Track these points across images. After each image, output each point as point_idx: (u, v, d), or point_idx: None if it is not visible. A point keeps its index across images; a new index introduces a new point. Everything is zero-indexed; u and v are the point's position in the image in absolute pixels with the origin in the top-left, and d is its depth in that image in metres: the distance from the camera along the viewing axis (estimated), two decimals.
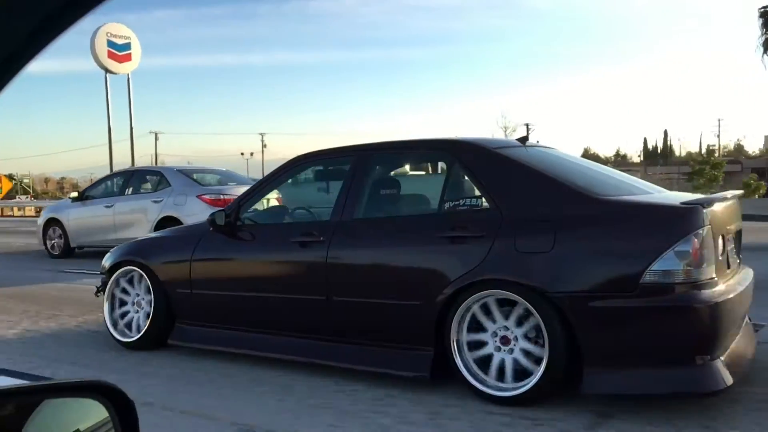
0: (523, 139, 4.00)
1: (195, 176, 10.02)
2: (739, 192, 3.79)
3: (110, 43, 23.82)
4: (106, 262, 4.92)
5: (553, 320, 3.15)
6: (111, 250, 5.07)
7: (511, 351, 3.32)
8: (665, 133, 63.25)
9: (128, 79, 24.96)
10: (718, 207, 3.26)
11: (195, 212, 8.81)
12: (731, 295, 3.12)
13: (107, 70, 24.02)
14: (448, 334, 3.42)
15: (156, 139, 63.42)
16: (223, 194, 9.30)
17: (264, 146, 69.29)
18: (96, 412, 0.87)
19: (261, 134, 73.11)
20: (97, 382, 0.89)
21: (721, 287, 3.11)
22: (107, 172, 16.91)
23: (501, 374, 3.33)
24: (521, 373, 3.28)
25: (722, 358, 3.06)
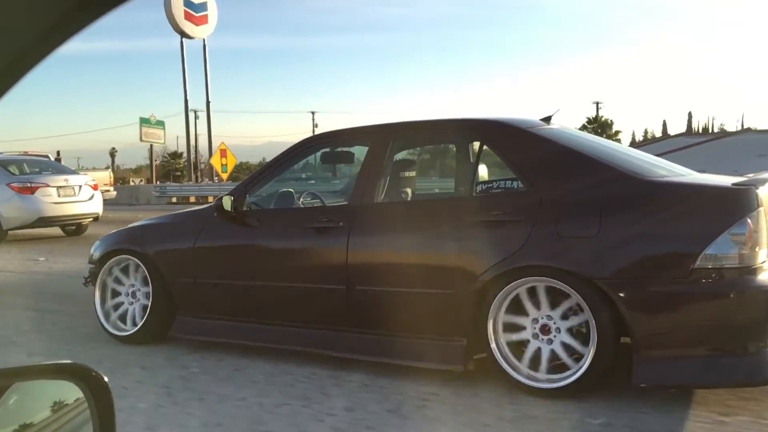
0: (548, 119, 3.83)
1: (10, 167, 11.04)
2: None
3: (187, 3, 22.12)
4: (96, 251, 4.58)
5: (600, 308, 2.99)
6: (100, 237, 4.73)
7: (551, 341, 3.16)
8: (689, 115, 62.88)
9: (204, 45, 23.18)
10: (766, 188, 3.15)
11: (5, 198, 10.40)
12: None
13: (183, 34, 22.28)
14: (485, 323, 3.24)
15: (195, 117, 58.84)
16: (31, 182, 10.57)
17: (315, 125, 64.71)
18: (71, 394, 0.87)
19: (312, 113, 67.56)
20: (72, 365, 0.89)
21: None
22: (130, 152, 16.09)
23: (535, 364, 3.17)
24: (559, 366, 3.13)
25: None
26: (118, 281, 4.47)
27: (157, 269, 4.23)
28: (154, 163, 46.56)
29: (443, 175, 4.05)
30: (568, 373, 3.09)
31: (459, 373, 3.31)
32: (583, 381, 3.03)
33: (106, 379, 0.88)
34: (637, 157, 3.71)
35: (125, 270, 4.44)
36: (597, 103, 57.09)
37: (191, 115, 58.35)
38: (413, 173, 4.00)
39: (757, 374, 2.88)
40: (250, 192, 4.08)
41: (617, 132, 55.49)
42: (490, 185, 3.51)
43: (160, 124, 31.19)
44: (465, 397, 3.18)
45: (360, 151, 4.16)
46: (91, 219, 11.63)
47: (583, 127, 54.34)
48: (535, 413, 2.96)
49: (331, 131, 4.12)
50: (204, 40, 23.03)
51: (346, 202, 3.93)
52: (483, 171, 3.62)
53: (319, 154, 4.53)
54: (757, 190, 2.94)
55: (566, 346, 3.12)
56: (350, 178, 4.67)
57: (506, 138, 3.54)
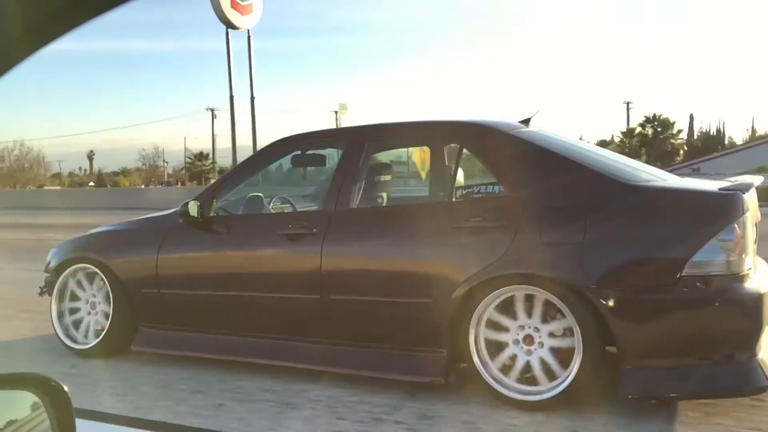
0: (527, 121, 3.72)
1: None
2: (762, 178, 3.64)
3: None
4: (53, 259, 4.32)
5: (585, 317, 2.89)
6: (57, 244, 4.47)
7: (535, 351, 3.04)
8: (691, 117, 61.13)
9: (248, 36, 21.67)
10: (751, 194, 3.09)
11: None
12: None
13: (229, 24, 20.72)
14: (466, 334, 3.11)
15: (213, 117, 56.22)
16: None
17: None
18: (29, 403, 0.86)
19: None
20: (31, 375, 0.88)
21: (758, 278, 2.94)
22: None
23: (523, 377, 3.05)
24: (548, 376, 3.01)
25: (761, 354, 2.88)
26: (77, 289, 4.22)
27: (118, 279, 4.00)
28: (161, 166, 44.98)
29: (421, 179, 3.90)
30: (552, 384, 2.97)
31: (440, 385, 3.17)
32: (569, 392, 2.92)
33: (65, 388, 0.87)
34: (620, 161, 3.63)
35: (85, 279, 4.20)
36: (627, 104, 54.20)
37: (208, 114, 55.46)
38: (389, 177, 3.85)
39: (747, 384, 2.80)
40: (217, 197, 3.88)
41: (679, 131, 52.78)
42: (470, 189, 3.38)
43: None
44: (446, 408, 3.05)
45: (333, 155, 4.01)
46: None
47: (642, 127, 51.75)
48: (518, 425, 2.83)
49: (304, 133, 3.95)
50: (249, 31, 21.68)
51: (318, 207, 3.76)
52: (462, 175, 3.49)
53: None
54: (744, 195, 2.87)
55: (552, 354, 3.00)
56: (322, 182, 4.50)
57: (486, 140, 3.42)
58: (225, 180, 3.99)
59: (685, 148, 54.04)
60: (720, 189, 2.96)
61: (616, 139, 53.07)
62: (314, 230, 3.46)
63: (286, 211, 4.21)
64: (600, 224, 2.96)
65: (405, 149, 8.01)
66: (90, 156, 66.15)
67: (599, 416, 2.90)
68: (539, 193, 3.14)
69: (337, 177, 3.58)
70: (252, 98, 22.71)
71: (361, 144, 3.63)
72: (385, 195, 3.78)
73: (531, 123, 3.72)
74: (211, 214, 3.84)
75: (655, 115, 52.15)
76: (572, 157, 3.26)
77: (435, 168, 4.22)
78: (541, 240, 2.99)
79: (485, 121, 3.51)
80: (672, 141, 52.34)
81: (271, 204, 4.17)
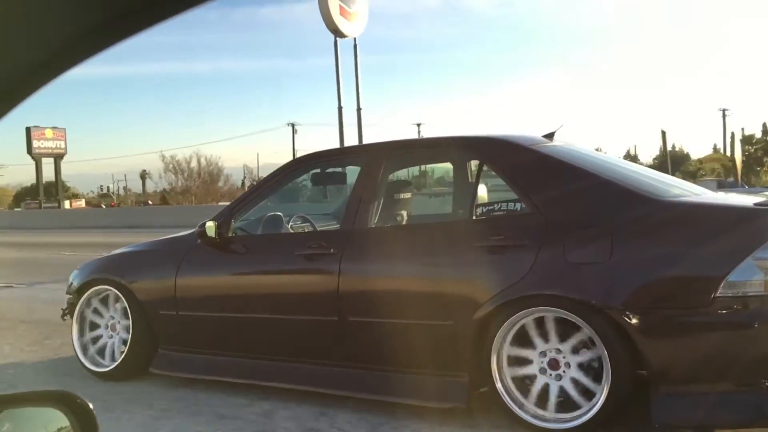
0: (551, 135, 3.60)
1: None
2: None
3: None
4: (75, 280, 4.32)
5: (614, 341, 2.74)
6: (79, 266, 4.48)
7: (560, 377, 2.90)
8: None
9: (354, 45, 21.14)
10: None
11: None
12: None
13: (337, 33, 20.30)
14: (488, 358, 2.98)
15: (294, 131, 55.52)
16: None
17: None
18: (57, 422, 0.88)
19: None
20: (58, 392, 0.91)
21: None
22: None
23: (543, 402, 2.91)
24: (568, 403, 2.87)
25: None
26: (97, 313, 4.20)
27: (137, 300, 3.97)
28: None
29: (441, 197, 3.80)
30: (579, 412, 2.83)
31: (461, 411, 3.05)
32: (596, 420, 2.77)
33: (91, 405, 0.89)
34: (649, 175, 3.48)
35: (104, 301, 4.18)
36: (723, 111, 50.77)
37: (288, 130, 55.03)
38: (409, 195, 3.76)
39: None
40: (236, 216, 3.84)
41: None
42: (492, 207, 3.26)
43: None
44: None
45: (353, 173, 3.94)
46: None
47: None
48: None
49: (322, 151, 3.89)
50: (355, 39, 21.19)
51: (337, 226, 3.68)
52: (483, 192, 3.38)
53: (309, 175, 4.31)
54: None
55: (577, 383, 2.86)
56: (342, 200, 4.44)
57: (508, 156, 3.31)
58: (243, 200, 3.94)
59: None
60: (755, 204, 2.80)
61: (720, 148, 50.29)
62: (332, 250, 3.39)
63: (305, 230, 4.15)
64: (627, 242, 2.82)
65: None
66: (143, 176, 66.92)
67: None
68: (563, 209, 3.01)
69: (354, 195, 3.51)
70: (359, 109, 21.82)
71: (379, 161, 3.55)
72: (405, 213, 3.69)
73: (555, 137, 3.60)
74: (230, 234, 3.79)
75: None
76: (597, 171, 3.14)
77: (457, 185, 4.12)
78: (566, 259, 2.87)
79: (506, 136, 3.40)
80: None
81: (290, 223, 4.11)
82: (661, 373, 2.72)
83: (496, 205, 3.23)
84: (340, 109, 21.16)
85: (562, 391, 2.87)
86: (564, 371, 2.88)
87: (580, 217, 2.97)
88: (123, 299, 4.02)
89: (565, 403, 2.87)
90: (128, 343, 3.96)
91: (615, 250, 2.79)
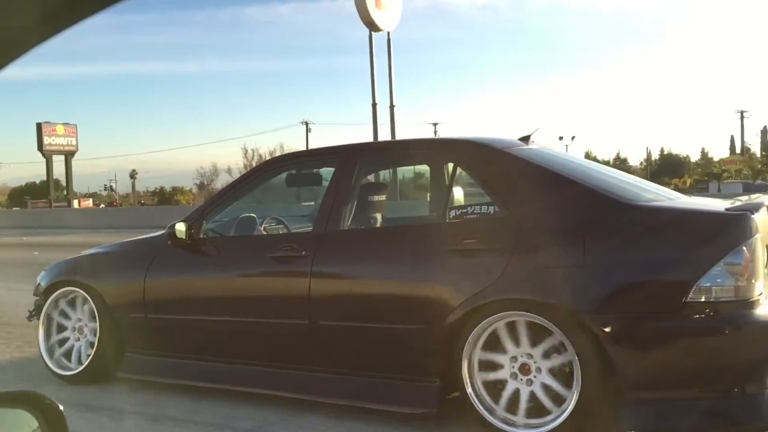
0: (527, 138, 3.57)
1: None
2: None
3: None
4: (42, 281, 4.22)
5: (584, 345, 2.72)
6: (47, 267, 4.38)
7: (530, 382, 2.86)
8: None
9: (388, 39, 20.31)
10: (760, 214, 2.92)
11: None
12: None
13: (372, 26, 19.43)
14: (459, 362, 2.94)
15: (308, 130, 54.15)
16: None
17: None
18: (25, 423, 0.87)
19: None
20: (27, 393, 0.90)
21: None
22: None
23: (514, 407, 2.88)
24: (539, 408, 2.84)
25: None
26: (64, 315, 4.11)
27: (105, 303, 3.88)
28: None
29: (415, 199, 3.76)
30: (549, 417, 2.80)
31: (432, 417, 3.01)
32: (566, 426, 2.74)
33: (61, 407, 0.89)
34: (623, 179, 3.47)
35: (72, 303, 4.09)
36: (741, 113, 49.96)
37: (302, 128, 53.89)
38: (383, 197, 3.72)
39: (757, 418, 2.61)
40: (207, 217, 3.77)
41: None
42: (465, 210, 3.23)
43: None
44: None
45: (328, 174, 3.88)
46: None
47: None
48: None
49: (295, 152, 3.85)
50: (388, 33, 20.36)
51: (310, 229, 3.63)
52: (459, 194, 3.35)
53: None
54: (753, 216, 2.70)
55: (548, 388, 2.83)
56: (317, 202, 4.39)
57: (482, 159, 3.28)
58: (215, 201, 3.88)
59: None
60: (727, 209, 2.79)
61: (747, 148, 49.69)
62: (303, 252, 3.33)
63: (279, 232, 4.09)
64: (599, 246, 2.80)
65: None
66: (132, 175, 65.90)
67: None
68: (535, 213, 2.99)
69: (327, 197, 3.46)
70: (392, 106, 20.86)
71: (352, 163, 3.50)
72: (379, 216, 3.64)
73: (531, 140, 3.57)
74: (201, 236, 3.73)
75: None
76: (571, 175, 3.12)
77: (433, 188, 4.08)
78: (538, 263, 2.84)
79: (480, 138, 3.38)
80: None
81: (264, 225, 4.05)
82: (631, 379, 2.70)
83: (469, 208, 3.20)
84: (374, 105, 20.16)
85: (533, 397, 2.84)
86: (535, 376, 2.85)
87: (552, 220, 2.95)
88: (90, 301, 3.93)
89: (536, 409, 2.83)
90: (95, 346, 3.87)
91: (587, 254, 2.77)
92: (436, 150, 3.68)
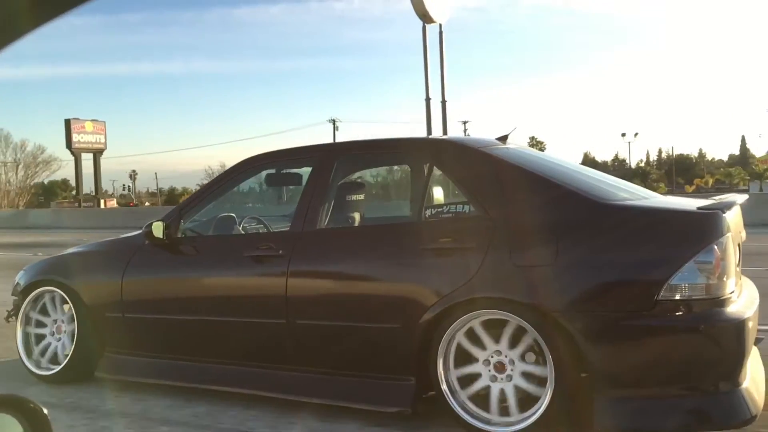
0: (504, 138, 3.58)
1: None
2: (746, 197, 3.48)
3: None
4: (21, 280, 4.20)
5: (557, 344, 2.73)
6: (26, 266, 4.35)
7: (506, 380, 2.87)
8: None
9: (440, 31, 19.46)
10: (732, 213, 2.93)
11: None
12: (753, 311, 2.79)
13: (426, 18, 18.59)
14: (434, 361, 2.95)
15: (335, 129, 53.91)
16: None
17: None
18: (9, 427, 0.86)
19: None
20: (10, 396, 0.89)
21: (742, 302, 2.77)
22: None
23: (489, 405, 2.88)
24: (520, 406, 2.85)
25: (745, 383, 2.70)
26: (43, 314, 4.08)
27: (83, 302, 3.86)
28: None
29: (392, 198, 3.76)
30: (523, 415, 2.81)
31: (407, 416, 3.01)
32: (539, 424, 2.75)
33: (45, 411, 0.88)
34: (598, 178, 3.48)
35: (51, 302, 4.06)
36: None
37: (330, 126, 52.90)
38: (361, 196, 3.71)
39: (730, 416, 2.62)
40: (185, 217, 3.75)
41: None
42: (441, 209, 3.23)
43: None
44: None
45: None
46: None
47: None
48: None
49: (273, 151, 3.82)
50: (440, 25, 19.41)
51: (288, 228, 3.63)
52: (439, 194, 3.35)
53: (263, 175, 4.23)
54: (724, 215, 2.71)
55: (522, 386, 2.83)
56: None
57: (457, 158, 3.28)
58: (193, 200, 3.86)
59: None
60: (699, 208, 2.81)
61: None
62: (280, 252, 3.33)
63: (258, 231, 4.08)
64: (572, 245, 2.81)
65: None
66: (132, 175, 65.01)
67: None
68: (510, 213, 2.99)
69: (305, 197, 3.45)
70: (443, 102, 19.88)
71: (329, 162, 3.50)
72: (357, 215, 3.63)
73: (508, 140, 3.58)
74: (179, 235, 3.71)
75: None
76: (546, 175, 3.12)
77: (413, 187, 4.08)
78: (512, 262, 2.84)
79: (456, 138, 3.39)
80: None
81: (242, 224, 4.03)
82: (605, 377, 2.71)
83: (444, 208, 3.21)
84: (427, 100, 19.14)
85: (508, 395, 2.85)
86: (510, 374, 2.86)
87: (527, 219, 2.96)
88: (69, 301, 3.91)
89: (510, 407, 2.84)
90: (73, 346, 3.85)
91: (560, 253, 2.78)
92: (413, 149, 3.67)
